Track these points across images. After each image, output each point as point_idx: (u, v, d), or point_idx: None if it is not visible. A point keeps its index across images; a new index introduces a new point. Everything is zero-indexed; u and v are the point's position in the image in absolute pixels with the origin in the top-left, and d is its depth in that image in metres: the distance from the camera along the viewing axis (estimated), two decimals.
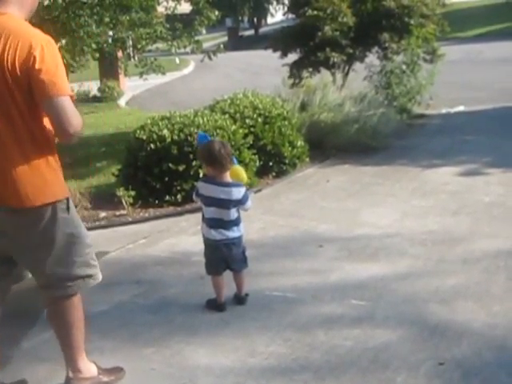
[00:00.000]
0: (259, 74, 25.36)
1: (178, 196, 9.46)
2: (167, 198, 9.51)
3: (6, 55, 4.00)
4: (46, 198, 4.27)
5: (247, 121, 10.60)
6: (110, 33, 13.06)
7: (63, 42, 11.85)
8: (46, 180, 4.28)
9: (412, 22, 14.75)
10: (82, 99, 23.76)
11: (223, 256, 6.02)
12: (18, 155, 4.16)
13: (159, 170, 9.58)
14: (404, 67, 14.94)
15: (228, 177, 5.97)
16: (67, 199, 4.43)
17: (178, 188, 9.49)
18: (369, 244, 7.56)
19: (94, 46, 12.76)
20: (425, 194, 9.44)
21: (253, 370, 5.07)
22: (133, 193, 9.32)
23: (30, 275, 4.78)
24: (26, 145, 4.17)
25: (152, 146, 9.66)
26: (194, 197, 6.18)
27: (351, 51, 14.69)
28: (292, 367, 5.08)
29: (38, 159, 4.23)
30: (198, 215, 8.35)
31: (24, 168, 4.18)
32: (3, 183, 4.19)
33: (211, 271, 6.13)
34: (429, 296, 6.12)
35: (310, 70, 15.24)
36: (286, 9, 16.80)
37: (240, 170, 6.15)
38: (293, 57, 15.53)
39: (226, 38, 51.05)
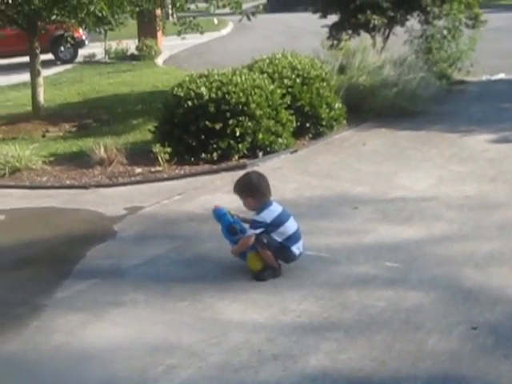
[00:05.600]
0: (298, 37, 25.14)
1: (214, 154, 9.47)
2: (203, 155, 9.51)
3: None
4: None
5: (285, 81, 10.54)
6: None
7: None
8: None
9: None
10: (120, 57, 23.79)
11: None
12: None
13: (196, 128, 9.58)
14: (445, 32, 14.72)
15: None
16: None
17: (214, 146, 9.48)
18: (404, 207, 7.51)
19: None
20: (462, 159, 9.34)
21: (284, 327, 5.09)
22: (169, 149, 9.34)
23: None
24: None
25: (189, 103, 9.65)
26: (255, 231, 5.89)
27: (392, 14, 14.49)
28: (324, 325, 5.09)
29: None
30: (234, 173, 8.46)
31: None
32: None
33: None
34: (463, 260, 6.08)
35: (350, 32, 15.07)
36: None
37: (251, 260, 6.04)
38: (333, 18, 15.37)
39: (265, 0, 50.56)
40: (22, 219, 8.11)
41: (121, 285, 6.01)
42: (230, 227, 6.11)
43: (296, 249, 5.96)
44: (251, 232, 5.89)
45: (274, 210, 5.94)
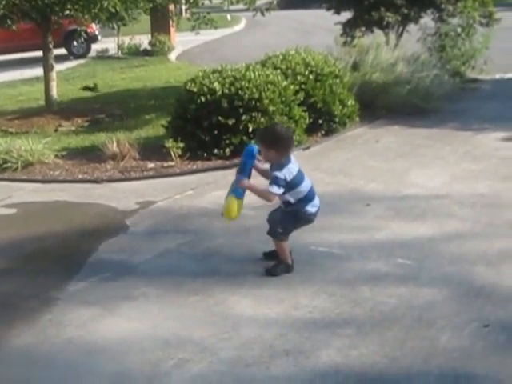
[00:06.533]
0: (311, 34, 25.12)
1: (227, 150, 9.45)
2: (216, 151, 9.50)
3: None
4: None
5: (299, 77, 10.52)
6: None
7: None
8: None
9: None
10: (133, 52, 23.83)
11: None
12: None
13: (209, 123, 9.57)
14: (459, 30, 14.65)
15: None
16: None
17: (227, 142, 9.47)
18: (417, 205, 7.50)
19: None
20: (475, 157, 9.31)
21: (296, 323, 5.09)
22: (181, 145, 9.36)
23: None
24: None
25: (202, 98, 9.64)
26: (276, 194, 5.74)
27: (406, 12, 14.45)
28: (335, 321, 5.09)
29: None
30: None
31: None
32: None
33: (287, 236, 5.99)
34: (476, 258, 6.07)
35: (363, 29, 15.04)
36: None
37: (232, 202, 5.80)
38: (346, 15, 15.35)
39: None
40: (35, 213, 8.13)
41: (132, 279, 6.02)
42: (243, 166, 5.87)
43: (311, 207, 5.87)
44: (275, 190, 5.68)
45: (293, 168, 5.79)
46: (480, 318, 5.04)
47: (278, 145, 5.78)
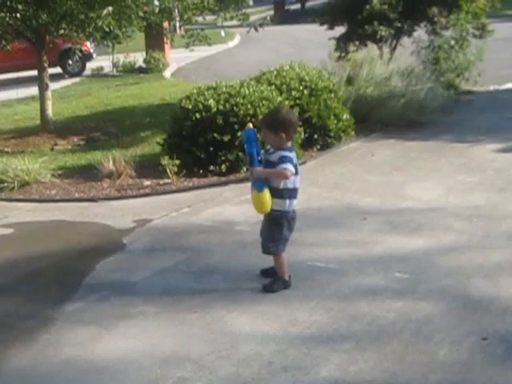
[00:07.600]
0: (305, 48, 25.20)
1: (223, 166, 9.47)
2: (211, 167, 9.52)
3: None
4: None
5: (293, 93, 10.54)
6: (157, 2, 13.03)
7: (110, 9, 11.84)
8: None
9: None
10: (128, 70, 23.87)
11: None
12: None
13: (204, 140, 9.59)
14: (452, 42, 14.69)
15: None
16: None
17: (223, 158, 9.49)
18: (413, 218, 7.50)
19: (140, 13, 12.77)
20: (471, 169, 9.32)
21: (294, 339, 5.08)
22: (177, 162, 9.37)
23: None
24: None
25: (197, 115, 9.66)
26: (292, 171, 5.63)
27: (399, 25, 14.49)
28: (334, 337, 5.08)
29: None
30: (242, 185, 8.46)
31: None
32: None
33: (283, 248, 5.95)
34: (473, 271, 6.06)
35: (357, 43, 15.09)
36: None
37: (257, 197, 5.73)
38: (340, 30, 15.39)
39: (272, 12, 50.64)
40: (32, 233, 8.13)
41: (130, 297, 6.01)
42: (250, 157, 5.78)
43: (293, 205, 5.85)
44: (289, 166, 5.59)
45: (295, 156, 5.75)
46: (478, 330, 5.03)
47: (283, 128, 5.71)
